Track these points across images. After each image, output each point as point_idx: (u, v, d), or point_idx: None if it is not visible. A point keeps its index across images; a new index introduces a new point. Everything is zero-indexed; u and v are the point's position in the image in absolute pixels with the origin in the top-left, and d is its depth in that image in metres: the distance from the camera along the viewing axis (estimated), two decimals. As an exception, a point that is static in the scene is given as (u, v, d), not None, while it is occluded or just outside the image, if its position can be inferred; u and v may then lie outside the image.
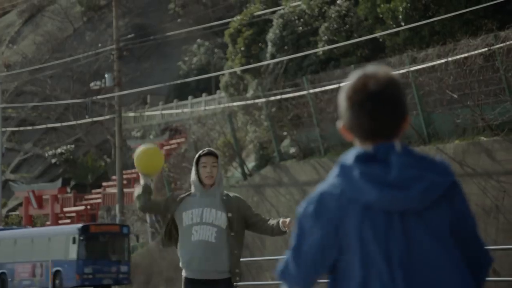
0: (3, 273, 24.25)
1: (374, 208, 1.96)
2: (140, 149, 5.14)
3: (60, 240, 22.78)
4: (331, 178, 2.00)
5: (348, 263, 1.98)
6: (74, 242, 22.18)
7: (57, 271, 22.55)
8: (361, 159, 1.99)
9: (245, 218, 5.08)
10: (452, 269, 2.01)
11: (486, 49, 14.39)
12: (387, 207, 1.96)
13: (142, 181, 5.12)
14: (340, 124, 2.08)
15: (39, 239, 23.53)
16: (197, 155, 5.15)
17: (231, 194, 5.24)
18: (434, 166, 2.02)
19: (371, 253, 1.96)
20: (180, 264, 5.10)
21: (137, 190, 5.15)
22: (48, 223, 33.33)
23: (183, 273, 5.09)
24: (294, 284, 2.03)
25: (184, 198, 5.11)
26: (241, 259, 5.10)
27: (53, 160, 40.97)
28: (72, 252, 22.21)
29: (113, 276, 22.51)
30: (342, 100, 2.06)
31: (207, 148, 5.27)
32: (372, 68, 2.07)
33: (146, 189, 5.09)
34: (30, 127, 37.87)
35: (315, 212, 1.99)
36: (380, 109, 2.01)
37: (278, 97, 18.97)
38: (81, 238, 22.10)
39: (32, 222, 34.06)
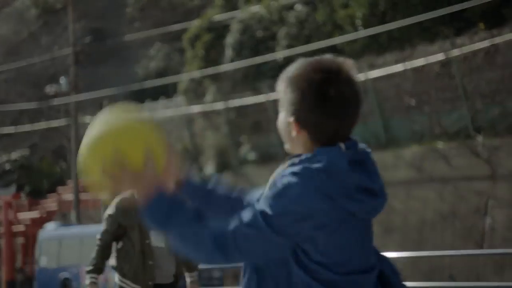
0: (67, 279, 20.14)
1: (357, 216, 1.80)
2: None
3: None
4: (319, 177, 1.73)
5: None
6: None
7: None
8: (352, 163, 1.77)
9: None
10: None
11: (442, 55, 14.55)
12: (369, 215, 1.83)
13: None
14: (289, 118, 1.80)
15: None
16: None
17: None
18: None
19: (346, 258, 1.80)
20: (119, 276, 4.88)
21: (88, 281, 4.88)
22: (1, 228, 32.65)
23: (119, 282, 4.87)
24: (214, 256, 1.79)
25: (124, 204, 4.87)
26: (200, 267, 4.95)
27: (7, 166, 40.22)
28: None
29: (203, 282, 18.51)
30: (301, 92, 1.79)
31: None
32: (331, 60, 1.82)
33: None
34: (-17, 132, 37.11)
35: (299, 214, 1.73)
36: (351, 109, 1.79)
37: (237, 102, 18.90)
38: None
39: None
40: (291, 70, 1.88)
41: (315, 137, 1.79)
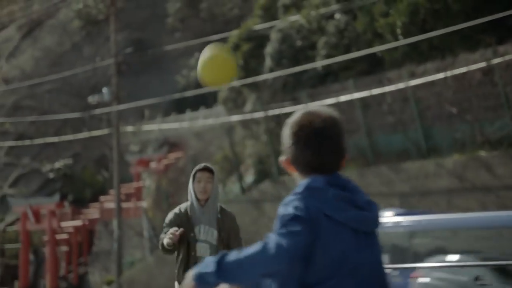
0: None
1: (347, 226, 2.13)
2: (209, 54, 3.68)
3: None
4: (303, 198, 2.13)
5: (313, 272, 2.10)
6: None
7: None
8: (329, 184, 2.16)
9: (228, 238, 5.10)
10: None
11: (484, 63, 14.39)
12: (359, 226, 2.15)
13: (167, 241, 4.96)
14: (283, 157, 2.25)
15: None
16: (194, 170, 5.17)
17: (228, 211, 5.20)
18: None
19: (341, 265, 2.11)
20: (176, 278, 5.11)
21: (166, 241, 5.00)
22: (45, 238, 33.21)
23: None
24: (272, 265, 2.05)
25: (187, 214, 5.14)
26: None
27: (51, 175, 40.92)
28: None
29: None
30: (286, 135, 2.22)
31: (203, 163, 5.28)
32: (315, 107, 2.25)
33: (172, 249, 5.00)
34: (28, 142, 37.85)
35: (306, 218, 2.09)
36: (323, 145, 2.17)
37: (277, 111, 18.94)
38: None
39: (29, 237, 33.91)
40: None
41: (299, 171, 2.23)
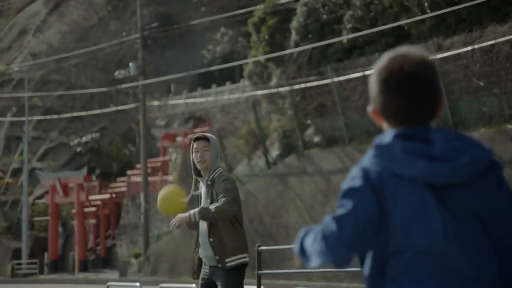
0: None
1: (419, 182, 1.90)
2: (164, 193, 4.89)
3: None
4: (369, 159, 1.94)
5: (389, 240, 1.91)
6: None
7: None
8: (400, 137, 1.95)
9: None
10: (486, 246, 1.94)
11: (513, 36, 14.20)
12: (433, 180, 1.90)
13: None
14: (370, 107, 2.02)
15: None
16: (191, 142, 5.04)
17: (220, 177, 4.89)
18: (476, 141, 1.97)
19: (416, 229, 1.89)
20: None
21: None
22: (74, 211, 33.67)
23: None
24: (335, 253, 1.90)
25: (198, 188, 5.11)
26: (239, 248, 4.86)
27: (78, 149, 41.35)
28: None
29: None
30: (374, 82, 1.99)
31: (200, 133, 5.09)
32: (405, 49, 2.00)
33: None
34: (55, 116, 38.24)
35: (360, 186, 1.90)
36: (417, 91, 1.94)
37: (302, 85, 18.91)
38: None
39: (57, 210, 34.39)
40: None
41: (388, 122, 1.99)
